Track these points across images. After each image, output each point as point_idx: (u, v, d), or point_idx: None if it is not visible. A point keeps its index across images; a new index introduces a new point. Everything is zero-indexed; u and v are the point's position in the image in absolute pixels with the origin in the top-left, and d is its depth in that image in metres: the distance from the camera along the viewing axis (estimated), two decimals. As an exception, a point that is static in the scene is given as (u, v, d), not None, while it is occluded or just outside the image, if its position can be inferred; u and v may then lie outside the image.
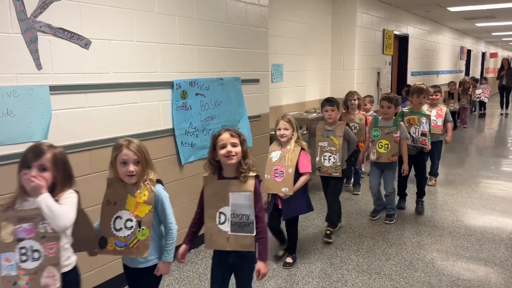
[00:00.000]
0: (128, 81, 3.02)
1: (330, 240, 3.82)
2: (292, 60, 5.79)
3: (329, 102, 3.77)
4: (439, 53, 11.49)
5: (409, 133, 4.31)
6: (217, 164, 2.26)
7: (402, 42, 8.89)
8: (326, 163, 3.72)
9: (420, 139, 4.36)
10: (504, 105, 13.06)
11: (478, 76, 17.21)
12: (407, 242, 3.84)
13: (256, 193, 2.21)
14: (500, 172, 6.44)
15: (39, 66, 2.49)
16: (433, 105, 5.29)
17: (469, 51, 15.03)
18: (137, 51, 3.07)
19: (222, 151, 2.18)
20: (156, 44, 3.22)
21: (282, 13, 5.49)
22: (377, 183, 4.29)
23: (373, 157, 4.14)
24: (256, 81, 4.34)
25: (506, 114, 13.04)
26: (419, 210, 4.61)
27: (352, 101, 5.07)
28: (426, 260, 3.49)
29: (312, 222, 4.36)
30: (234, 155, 2.18)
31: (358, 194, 5.27)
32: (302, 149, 3.21)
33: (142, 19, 3.09)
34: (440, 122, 5.20)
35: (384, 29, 7.56)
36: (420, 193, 4.72)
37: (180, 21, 3.41)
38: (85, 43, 2.72)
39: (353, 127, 4.75)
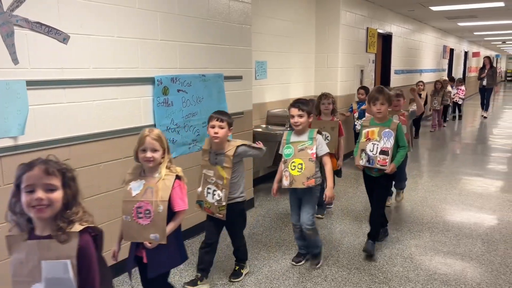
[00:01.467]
0: (108, 77, 3.00)
1: (236, 280, 3.17)
2: (276, 57, 5.81)
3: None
4: (422, 52, 11.63)
5: (364, 150, 3.45)
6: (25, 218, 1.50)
7: (385, 40, 8.98)
8: (210, 199, 2.92)
9: (378, 159, 3.38)
10: (484, 107, 12.64)
11: (461, 75, 17.48)
12: (387, 238, 3.89)
13: (83, 257, 1.48)
14: (480, 170, 6.56)
15: (15, 60, 2.46)
16: (394, 112, 4.21)
17: (451, 50, 15.24)
18: (117, 46, 3.05)
19: (27, 198, 1.45)
20: (137, 40, 3.20)
21: (266, 10, 5.49)
22: (296, 217, 3.27)
23: (285, 182, 3.12)
24: (239, 78, 4.34)
25: (485, 117, 12.49)
26: (368, 249, 3.48)
27: (326, 105, 4.26)
28: (404, 255, 3.55)
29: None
30: (44, 207, 1.46)
31: (322, 218, 4.40)
32: (178, 177, 2.28)
33: (123, 14, 3.07)
34: (404, 131, 4.30)
35: (367, 28, 7.62)
36: (372, 232, 3.54)
37: (162, 16, 3.39)
38: (64, 38, 2.69)
39: (324, 137, 3.82)
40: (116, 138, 3.10)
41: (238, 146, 2.90)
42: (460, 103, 11.90)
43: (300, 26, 6.37)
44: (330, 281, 3.15)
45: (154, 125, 3.39)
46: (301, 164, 3.07)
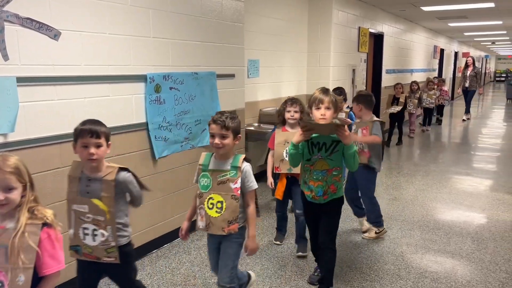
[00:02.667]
0: (99, 74, 2.97)
1: None
2: (268, 56, 5.81)
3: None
4: (413, 52, 11.71)
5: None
6: None
7: (377, 40, 9.02)
8: (90, 241, 2.08)
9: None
10: (465, 109, 12.11)
11: (451, 74, 17.64)
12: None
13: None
14: (469, 169, 6.63)
15: (5, 57, 2.43)
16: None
17: (442, 50, 15.37)
18: (109, 43, 3.02)
19: None
20: (129, 37, 3.18)
21: (258, 8, 5.49)
22: (216, 266, 2.50)
23: (201, 223, 2.40)
24: (232, 76, 4.33)
25: (464, 120, 11.95)
26: None
27: (292, 113, 3.41)
28: (396, 253, 3.57)
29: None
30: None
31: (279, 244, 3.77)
32: (46, 224, 1.63)
33: (115, 11, 3.04)
34: (366, 147, 3.61)
35: (359, 27, 7.65)
36: (324, 279, 2.85)
37: (154, 14, 3.37)
38: (55, 34, 2.66)
39: (286, 153, 3.26)
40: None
41: (120, 169, 2.11)
42: (445, 105, 11.11)
43: (293, 25, 6.38)
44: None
45: (147, 123, 3.38)
46: (222, 202, 2.32)
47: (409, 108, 8.80)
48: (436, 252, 3.60)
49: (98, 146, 2.04)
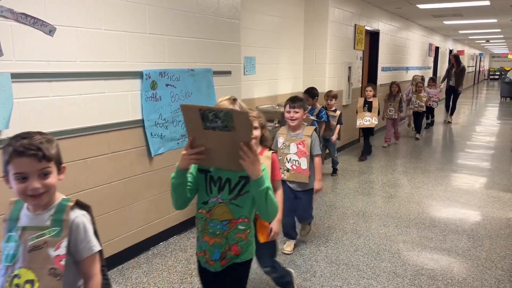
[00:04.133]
0: (95, 70, 2.94)
1: None
2: (264, 53, 5.78)
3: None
4: (408, 50, 11.73)
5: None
6: None
7: (373, 37, 9.02)
8: None
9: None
10: (450, 110, 11.13)
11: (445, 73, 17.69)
12: (375, 234, 3.92)
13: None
14: (465, 166, 6.66)
15: (0, 52, 2.39)
16: (293, 128, 3.26)
17: (437, 48, 15.41)
18: (105, 39, 2.99)
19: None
20: (125, 33, 3.14)
21: (255, 5, 5.46)
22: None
23: None
24: (228, 73, 4.31)
25: (449, 121, 11.09)
26: None
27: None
28: (392, 251, 3.58)
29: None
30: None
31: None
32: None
33: (110, 7, 3.01)
34: (304, 164, 3.24)
35: (355, 24, 7.64)
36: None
37: (150, 10, 3.34)
38: (50, 30, 2.62)
39: None
40: (103, 133, 3.05)
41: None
42: (434, 107, 10.02)
43: (289, 22, 6.36)
44: (319, 276, 3.15)
45: (143, 120, 3.35)
46: (32, 282, 1.46)
47: (389, 113, 7.71)
48: (433, 250, 3.61)
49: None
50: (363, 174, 6.03)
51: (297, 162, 3.25)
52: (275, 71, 6.13)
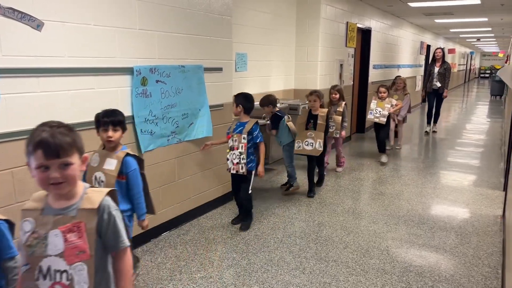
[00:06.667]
0: (84, 66, 2.92)
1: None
2: (256, 49, 5.77)
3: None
4: (400, 47, 11.78)
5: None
6: None
7: (365, 35, 9.05)
8: None
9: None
10: (433, 118, 9.14)
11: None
12: (364, 231, 3.95)
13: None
14: (454, 164, 6.71)
15: (-14, 47, 2.36)
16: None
17: (428, 46, 15.50)
18: (94, 35, 2.96)
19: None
20: (115, 29, 3.12)
21: (246, 1, 5.45)
22: None
23: None
24: (219, 69, 4.30)
25: (434, 131, 9.19)
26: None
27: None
28: (381, 248, 3.60)
29: (273, 211, 4.40)
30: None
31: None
32: None
33: (99, 2, 2.98)
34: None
35: (347, 22, 7.66)
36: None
37: (140, 5, 3.31)
38: (37, 25, 2.59)
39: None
40: (93, 129, 3.02)
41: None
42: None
43: (281, 19, 6.35)
44: (308, 273, 3.17)
45: (133, 116, 3.33)
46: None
47: (330, 130, 5.42)
48: (421, 247, 3.64)
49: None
50: (353, 172, 6.06)
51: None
52: (267, 68, 6.12)
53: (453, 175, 5.95)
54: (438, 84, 8.75)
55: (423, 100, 8.93)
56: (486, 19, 11.62)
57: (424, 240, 3.77)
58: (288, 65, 6.73)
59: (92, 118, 3.01)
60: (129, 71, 3.26)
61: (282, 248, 3.57)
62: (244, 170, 3.84)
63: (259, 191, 5.00)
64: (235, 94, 4.04)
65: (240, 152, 3.83)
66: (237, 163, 3.85)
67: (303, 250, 3.54)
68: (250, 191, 3.95)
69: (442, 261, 3.39)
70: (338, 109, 5.57)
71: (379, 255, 3.48)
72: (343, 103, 5.61)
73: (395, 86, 7.40)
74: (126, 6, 3.20)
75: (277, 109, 4.95)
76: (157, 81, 3.50)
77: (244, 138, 3.81)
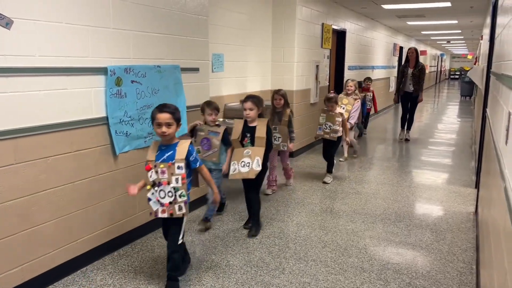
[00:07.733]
0: (56, 66, 2.82)
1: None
2: (233, 50, 5.75)
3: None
4: (374, 49, 11.98)
5: None
6: None
7: (340, 36, 9.16)
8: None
9: None
10: (406, 124, 8.56)
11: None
12: (342, 230, 3.98)
13: None
14: (428, 163, 6.86)
15: (-49, 45, 2.26)
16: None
17: (401, 48, 15.82)
18: (66, 34, 2.88)
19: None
20: (88, 27, 3.04)
21: (223, 1, 5.42)
22: None
23: None
24: (196, 70, 4.25)
25: (407, 139, 8.53)
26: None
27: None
28: (359, 246, 3.63)
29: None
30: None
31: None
32: None
33: (71, 0, 2.90)
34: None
35: (323, 23, 7.73)
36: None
37: (114, 4, 3.24)
38: (6, 23, 2.49)
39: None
40: (65, 131, 2.94)
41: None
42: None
43: (257, 20, 6.35)
44: (287, 273, 3.16)
45: (107, 118, 3.25)
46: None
47: (276, 142, 4.72)
48: (398, 244, 3.69)
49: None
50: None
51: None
52: (243, 68, 6.11)
53: (427, 174, 6.07)
54: (412, 88, 8.21)
55: (396, 102, 8.75)
56: (456, 22, 11.95)
57: (401, 237, 3.83)
58: (265, 66, 6.74)
59: (66, 119, 2.93)
60: (103, 71, 3.18)
61: (261, 249, 3.56)
62: (184, 210, 2.80)
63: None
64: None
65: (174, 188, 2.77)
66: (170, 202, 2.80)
67: (282, 250, 3.54)
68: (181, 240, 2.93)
69: (418, 258, 3.45)
70: (283, 118, 4.71)
71: (357, 253, 3.51)
72: (289, 110, 4.75)
73: (345, 90, 6.60)
74: (100, 5, 3.12)
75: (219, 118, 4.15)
76: (132, 82, 3.43)
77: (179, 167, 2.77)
